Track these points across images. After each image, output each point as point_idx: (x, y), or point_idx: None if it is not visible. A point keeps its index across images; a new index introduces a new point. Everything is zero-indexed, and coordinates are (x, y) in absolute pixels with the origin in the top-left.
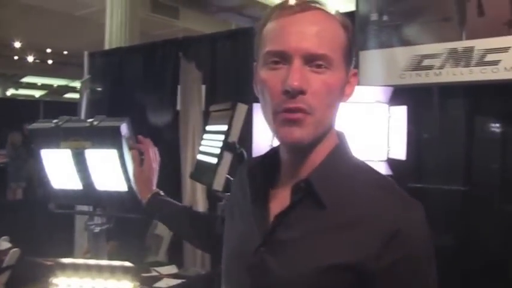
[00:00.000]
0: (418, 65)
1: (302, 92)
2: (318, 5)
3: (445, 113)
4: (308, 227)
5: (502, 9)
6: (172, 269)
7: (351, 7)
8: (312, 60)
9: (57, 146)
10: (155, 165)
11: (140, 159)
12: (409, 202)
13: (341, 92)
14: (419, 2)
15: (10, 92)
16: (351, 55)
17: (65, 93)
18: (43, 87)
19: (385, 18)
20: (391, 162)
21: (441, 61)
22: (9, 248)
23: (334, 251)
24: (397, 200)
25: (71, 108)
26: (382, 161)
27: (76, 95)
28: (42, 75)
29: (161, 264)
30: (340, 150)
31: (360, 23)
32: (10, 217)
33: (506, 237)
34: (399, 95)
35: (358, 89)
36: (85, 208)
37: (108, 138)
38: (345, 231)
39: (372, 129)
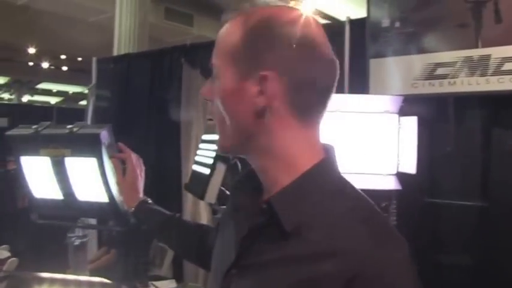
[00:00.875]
0: (431, 74)
1: (209, 101)
2: (234, 15)
3: (460, 124)
4: (268, 255)
5: None
6: (170, 283)
7: (362, 13)
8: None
9: (37, 153)
10: (139, 172)
11: (122, 168)
12: (386, 239)
13: (242, 98)
14: (433, 8)
15: (26, 98)
16: (249, 56)
17: (80, 100)
18: (58, 93)
19: (397, 25)
20: (401, 177)
21: (456, 70)
22: (8, 258)
23: (291, 284)
24: (372, 234)
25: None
26: (391, 174)
27: None
28: (57, 82)
29: (161, 278)
30: (319, 169)
31: (371, 30)
32: (15, 225)
33: None
34: (409, 104)
35: (366, 98)
36: (67, 219)
37: (87, 145)
38: (304, 265)
39: (381, 141)
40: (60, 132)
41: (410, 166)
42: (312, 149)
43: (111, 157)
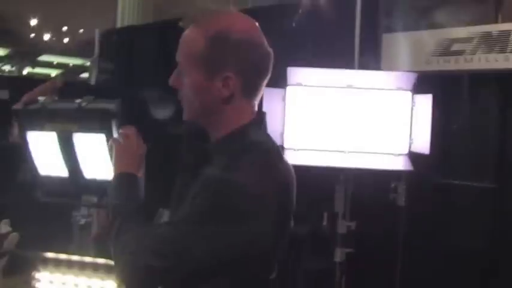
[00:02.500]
0: (446, 50)
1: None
2: (192, 21)
3: (476, 103)
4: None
5: None
6: None
7: None
8: None
9: (43, 128)
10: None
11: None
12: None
13: (208, 91)
14: None
15: (27, 70)
16: (212, 61)
17: (81, 73)
18: (59, 66)
19: None
20: (414, 157)
21: (473, 46)
22: (9, 232)
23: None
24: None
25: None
26: (402, 154)
27: None
28: (58, 54)
29: None
30: (243, 127)
31: (385, 3)
32: (14, 199)
33: None
34: (424, 82)
35: (378, 74)
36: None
37: (96, 121)
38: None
39: (393, 119)
40: (68, 106)
41: (423, 146)
42: (246, 116)
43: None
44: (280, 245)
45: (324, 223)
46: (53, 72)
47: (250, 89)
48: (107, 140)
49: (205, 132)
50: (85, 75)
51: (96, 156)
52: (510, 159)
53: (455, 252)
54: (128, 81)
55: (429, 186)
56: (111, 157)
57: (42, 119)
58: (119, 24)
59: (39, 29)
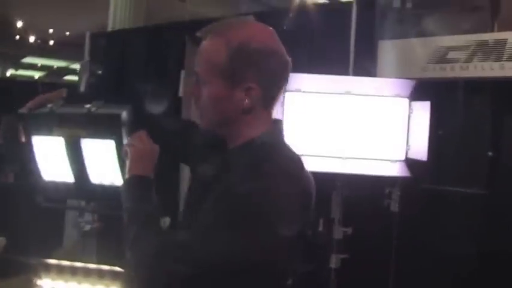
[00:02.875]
0: (442, 58)
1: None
2: (211, 32)
3: (471, 111)
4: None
5: None
6: None
7: None
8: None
9: (50, 133)
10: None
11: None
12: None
13: (230, 101)
14: None
15: (10, 72)
16: (235, 72)
17: (64, 75)
18: (43, 68)
19: (408, 5)
20: (411, 163)
21: (468, 54)
22: None
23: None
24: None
25: (71, 90)
26: (399, 161)
27: (76, 78)
28: (43, 56)
29: None
30: (261, 135)
31: (381, 10)
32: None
33: None
34: (422, 89)
35: (376, 81)
36: (76, 203)
37: (106, 127)
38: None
39: (390, 126)
40: (77, 111)
41: (421, 153)
42: (264, 125)
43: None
44: (298, 251)
45: (320, 229)
46: (37, 74)
47: (270, 98)
48: (117, 146)
49: (222, 141)
50: (69, 77)
51: (104, 162)
52: (502, 166)
53: (447, 257)
54: (118, 85)
55: (423, 192)
56: (124, 162)
57: (50, 124)
58: (109, 28)
59: (25, 31)
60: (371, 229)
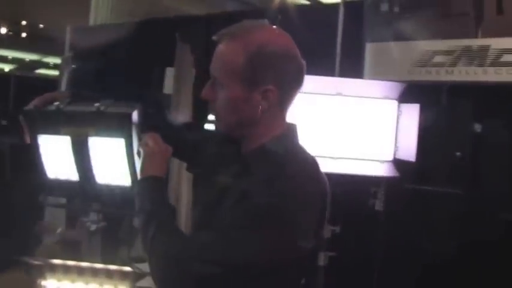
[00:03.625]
0: (428, 61)
1: (210, 101)
2: (228, 35)
3: (454, 113)
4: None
5: None
6: None
7: None
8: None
9: (57, 132)
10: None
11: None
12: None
13: (248, 104)
14: None
15: None
16: (254, 76)
17: (36, 69)
18: (14, 61)
19: (395, 9)
20: (399, 163)
21: (453, 59)
22: None
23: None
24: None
25: (45, 85)
26: (388, 161)
27: (48, 71)
28: (14, 49)
29: (143, 259)
30: (275, 138)
31: (369, 13)
32: None
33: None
34: (409, 92)
35: (366, 83)
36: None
37: (116, 126)
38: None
39: (379, 127)
40: (86, 110)
41: (409, 154)
42: (280, 127)
43: (141, 139)
44: (315, 251)
45: None
46: (7, 67)
47: (287, 101)
48: (126, 146)
49: (237, 142)
50: (41, 71)
51: (112, 161)
52: (483, 167)
53: (428, 253)
54: (98, 81)
55: (406, 192)
56: (135, 162)
57: (56, 122)
58: (91, 22)
59: None
60: (357, 227)
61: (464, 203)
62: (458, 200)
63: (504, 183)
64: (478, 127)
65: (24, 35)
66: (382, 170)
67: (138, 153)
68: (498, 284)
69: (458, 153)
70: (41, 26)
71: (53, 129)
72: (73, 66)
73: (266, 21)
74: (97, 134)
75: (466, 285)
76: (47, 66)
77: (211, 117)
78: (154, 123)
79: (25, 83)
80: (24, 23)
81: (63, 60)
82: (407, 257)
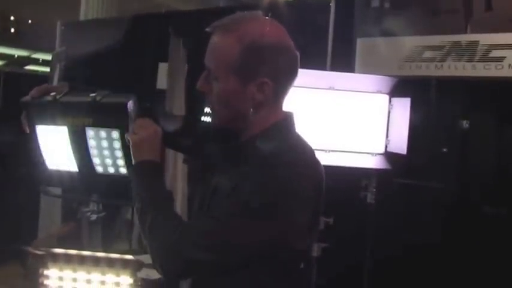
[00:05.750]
0: (418, 56)
1: (204, 93)
2: (222, 27)
3: (443, 108)
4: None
5: (511, 5)
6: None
7: None
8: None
9: (54, 123)
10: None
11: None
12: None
13: (243, 96)
14: None
15: None
16: (248, 68)
17: (26, 65)
18: (3, 57)
19: (386, 5)
20: (390, 156)
21: (443, 54)
22: None
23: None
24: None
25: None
26: (379, 154)
27: (38, 68)
28: (3, 45)
29: (137, 252)
30: (273, 126)
31: (360, 8)
32: None
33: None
34: (401, 86)
35: (358, 77)
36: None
37: (112, 116)
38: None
39: (371, 120)
40: (82, 100)
41: (401, 147)
42: (275, 116)
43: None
44: (312, 238)
45: None
46: None
47: (281, 92)
48: (122, 136)
49: (233, 133)
50: (30, 67)
51: (109, 151)
52: (471, 161)
53: (417, 245)
54: (90, 76)
55: (396, 185)
56: (130, 151)
57: (53, 113)
58: (82, 17)
59: None
60: (348, 219)
61: (448, 197)
62: (447, 194)
63: (488, 177)
64: (466, 122)
65: (12, 30)
66: (374, 162)
67: (128, 142)
68: (483, 274)
69: (444, 150)
70: (30, 21)
71: (50, 119)
72: (65, 62)
73: (260, 12)
74: (93, 124)
75: (452, 274)
76: (36, 62)
77: (207, 109)
78: (149, 114)
79: (14, 79)
80: (12, 18)
81: (54, 55)
82: (397, 249)
